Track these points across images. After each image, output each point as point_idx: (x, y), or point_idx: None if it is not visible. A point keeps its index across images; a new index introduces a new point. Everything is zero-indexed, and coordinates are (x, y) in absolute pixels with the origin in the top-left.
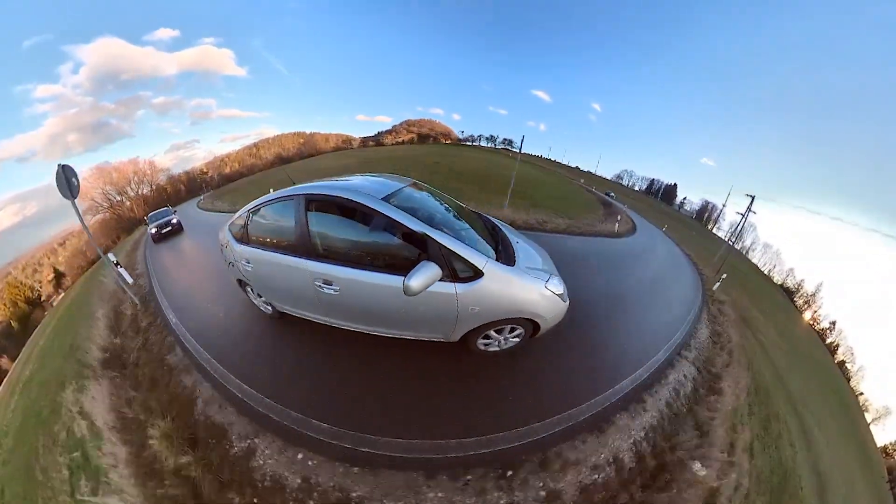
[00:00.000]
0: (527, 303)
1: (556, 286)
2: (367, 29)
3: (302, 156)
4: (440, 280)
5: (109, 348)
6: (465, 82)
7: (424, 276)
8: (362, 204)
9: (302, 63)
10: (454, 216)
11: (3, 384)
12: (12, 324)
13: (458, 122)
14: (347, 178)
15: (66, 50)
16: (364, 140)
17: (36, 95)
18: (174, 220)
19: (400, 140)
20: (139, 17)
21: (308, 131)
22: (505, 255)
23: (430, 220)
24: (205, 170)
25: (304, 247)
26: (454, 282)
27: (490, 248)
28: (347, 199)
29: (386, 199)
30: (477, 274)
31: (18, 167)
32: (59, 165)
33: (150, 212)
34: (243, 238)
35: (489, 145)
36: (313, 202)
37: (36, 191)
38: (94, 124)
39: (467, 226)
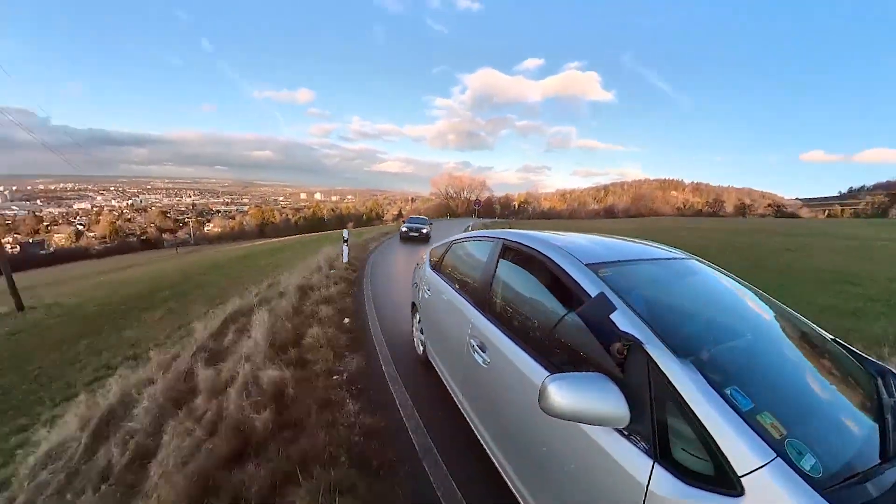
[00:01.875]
0: None
1: None
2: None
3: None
4: (624, 435)
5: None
6: None
7: (584, 397)
8: (554, 262)
9: (695, 78)
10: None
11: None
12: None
13: None
14: (592, 236)
15: (458, 76)
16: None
17: (435, 104)
18: (424, 230)
19: None
20: (512, 49)
21: (690, 181)
22: None
23: (691, 330)
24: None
25: (480, 295)
26: (657, 461)
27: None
28: (539, 252)
29: (594, 266)
30: (727, 484)
31: (413, 143)
32: None
33: (414, 216)
34: (437, 265)
35: None
36: (509, 250)
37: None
38: (467, 132)
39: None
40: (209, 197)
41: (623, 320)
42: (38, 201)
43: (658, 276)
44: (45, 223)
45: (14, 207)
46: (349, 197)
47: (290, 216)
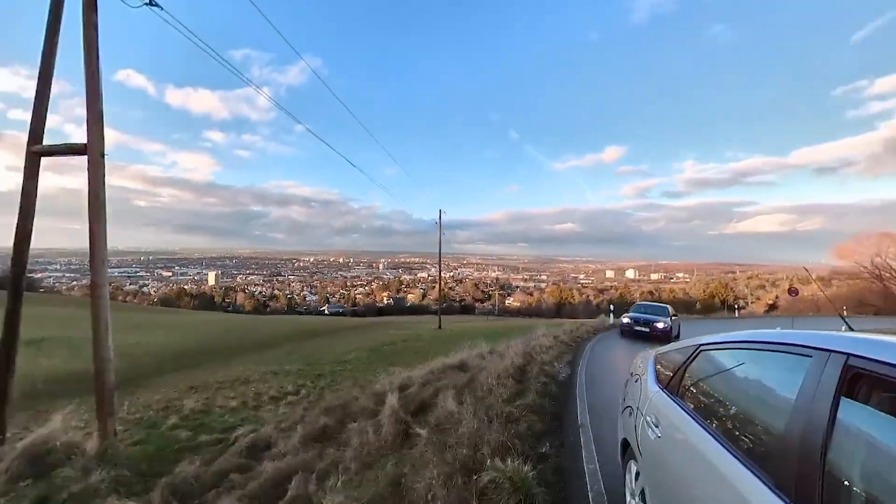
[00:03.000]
0: None
1: None
2: None
3: None
4: None
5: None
6: None
7: None
8: None
9: None
10: None
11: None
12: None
13: None
14: None
15: None
16: None
17: (870, 92)
18: (660, 325)
19: None
20: None
21: None
22: None
23: None
24: None
25: (783, 474)
26: None
27: None
28: None
29: None
30: None
31: (812, 178)
32: None
33: (646, 302)
34: (671, 382)
35: None
36: (869, 381)
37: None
38: None
39: None
40: (510, 272)
41: None
42: (399, 269)
43: None
44: (403, 285)
45: (388, 273)
46: (680, 274)
47: (590, 297)
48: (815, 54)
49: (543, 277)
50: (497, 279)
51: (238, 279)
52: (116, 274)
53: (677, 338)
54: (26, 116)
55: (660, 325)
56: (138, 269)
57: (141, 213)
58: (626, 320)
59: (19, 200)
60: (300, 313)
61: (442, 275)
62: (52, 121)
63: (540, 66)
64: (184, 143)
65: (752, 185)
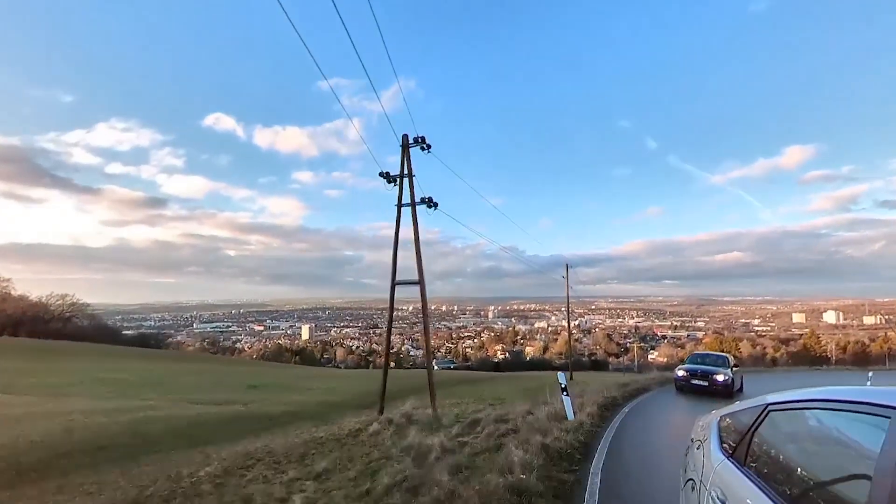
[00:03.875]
0: None
1: None
2: None
3: None
4: None
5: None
6: None
7: None
8: None
9: None
10: None
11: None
12: None
13: None
14: None
15: None
16: None
17: None
18: (720, 378)
19: None
20: None
21: None
22: None
23: None
24: None
25: None
26: None
27: None
28: None
29: None
30: None
31: None
32: None
33: (704, 352)
34: (737, 449)
35: None
36: None
37: None
38: None
39: None
40: (654, 318)
41: None
42: (512, 318)
43: None
44: (519, 336)
45: (499, 322)
46: None
47: (767, 348)
48: None
49: (700, 324)
50: (636, 328)
51: (332, 332)
52: (209, 329)
53: (740, 392)
54: (122, 170)
55: (719, 378)
56: (230, 324)
57: (231, 262)
58: (680, 373)
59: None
60: (406, 368)
61: (563, 324)
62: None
63: (693, 47)
64: (272, 188)
65: None
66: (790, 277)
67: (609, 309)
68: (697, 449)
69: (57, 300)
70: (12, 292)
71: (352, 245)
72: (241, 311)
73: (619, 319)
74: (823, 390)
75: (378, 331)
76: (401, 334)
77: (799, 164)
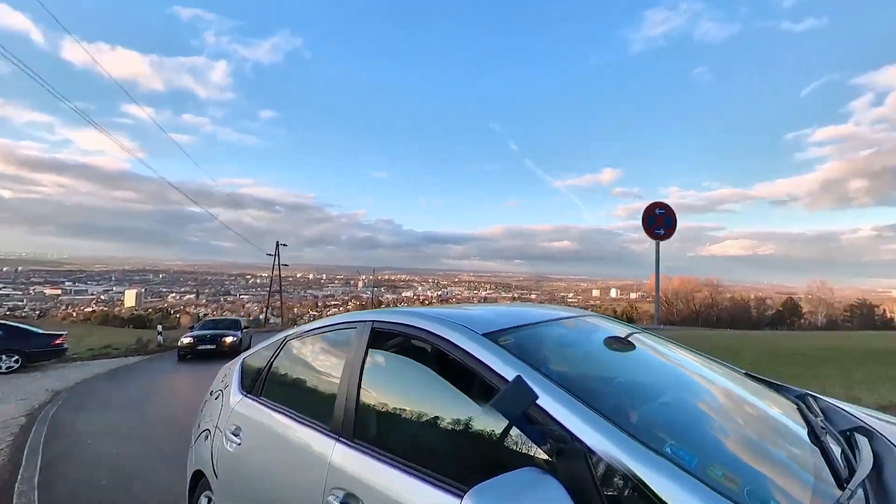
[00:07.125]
0: None
1: None
2: None
3: None
4: None
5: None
6: None
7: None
8: (445, 340)
9: None
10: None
11: None
12: None
13: None
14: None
15: (854, 82)
16: None
17: (811, 139)
18: (230, 340)
19: None
20: None
21: None
22: None
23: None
24: None
25: (341, 415)
26: None
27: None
28: (421, 329)
29: (492, 335)
30: None
31: (770, 209)
32: None
33: (217, 317)
34: (255, 383)
35: None
36: (382, 336)
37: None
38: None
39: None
40: (501, 291)
41: (555, 407)
42: (382, 288)
43: (567, 338)
44: (383, 305)
45: (367, 291)
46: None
47: None
48: (775, 101)
49: (533, 296)
50: (485, 299)
51: (170, 298)
52: None
53: (248, 349)
54: None
55: (229, 340)
56: (1, 285)
57: (4, 205)
58: (186, 341)
59: None
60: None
61: (428, 293)
62: None
63: (544, 82)
64: (86, 118)
65: (722, 212)
66: (597, 262)
67: (470, 281)
68: (216, 399)
69: None
70: None
71: (203, 201)
72: (20, 268)
73: (475, 291)
74: (319, 322)
75: (230, 297)
76: (258, 302)
77: (610, 181)
